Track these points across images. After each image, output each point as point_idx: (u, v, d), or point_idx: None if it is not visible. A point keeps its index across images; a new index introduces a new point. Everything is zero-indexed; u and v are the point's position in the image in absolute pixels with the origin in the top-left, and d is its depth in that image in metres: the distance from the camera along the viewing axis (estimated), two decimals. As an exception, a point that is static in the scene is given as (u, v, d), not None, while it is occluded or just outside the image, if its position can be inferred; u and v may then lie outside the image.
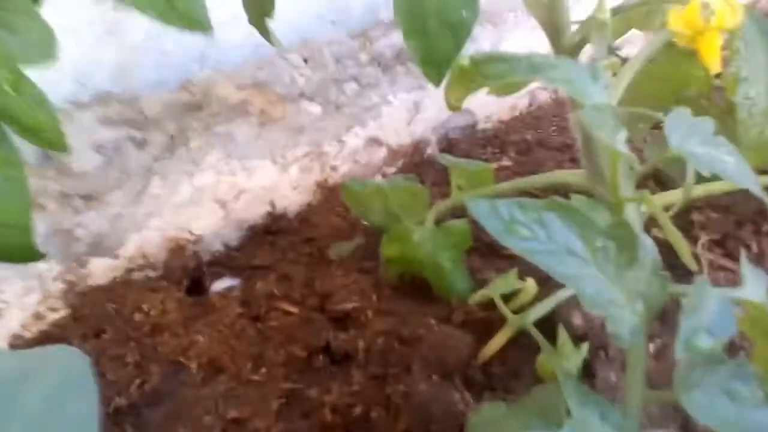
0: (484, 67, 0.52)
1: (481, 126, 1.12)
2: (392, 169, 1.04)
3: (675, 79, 0.83)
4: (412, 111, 1.03)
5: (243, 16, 1.05)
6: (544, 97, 1.14)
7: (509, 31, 1.11)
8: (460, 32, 0.63)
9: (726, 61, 0.69)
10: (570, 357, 0.63)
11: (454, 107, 0.56)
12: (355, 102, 0.98)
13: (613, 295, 0.43)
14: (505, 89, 0.54)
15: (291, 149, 0.94)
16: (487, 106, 1.13)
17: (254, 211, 0.94)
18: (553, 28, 0.61)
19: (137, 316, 0.82)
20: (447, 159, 0.80)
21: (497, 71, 0.51)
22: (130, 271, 0.87)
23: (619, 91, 0.70)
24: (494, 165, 1.03)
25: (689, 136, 0.51)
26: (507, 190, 0.76)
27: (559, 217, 0.44)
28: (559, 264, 0.43)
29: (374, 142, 1.01)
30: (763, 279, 0.49)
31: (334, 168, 0.99)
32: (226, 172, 0.90)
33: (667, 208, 0.70)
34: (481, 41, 1.06)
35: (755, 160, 0.69)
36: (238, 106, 0.90)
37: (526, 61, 0.51)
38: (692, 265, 0.46)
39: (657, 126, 0.90)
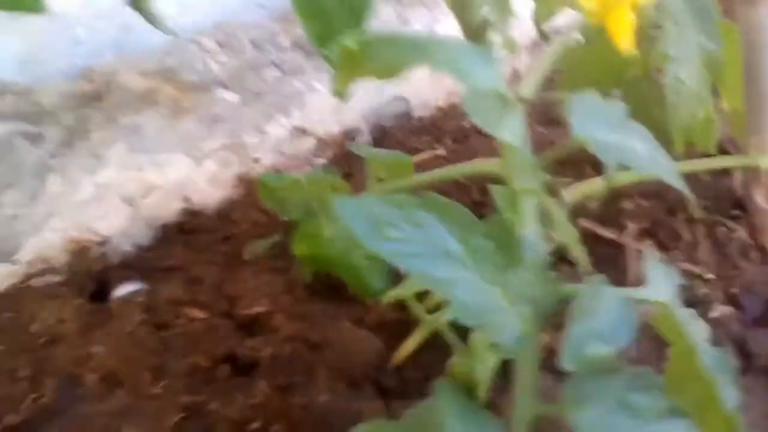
0: (371, 49, 0.46)
1: (417, 113, 1.06)
2: (322, 160, 0.98)
3: (613, 61, 0.78)
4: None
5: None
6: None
7: (444, 14, 1.05)
8: (360, 12, 0.57)
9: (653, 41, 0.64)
10: (484, 358, 0.58)
11: (340, 94, 0.50)
12: (276, 89, 0.91)
13: (493, 300, 0.38)
14: (389, 73, 0.48)
15: (206, 141, 0.88)
16: (423, 92, 1.07)
17: (167, 209, 0.88)
18: (458, 6, 0.56)
19: (34, 326, 0.76)
20: (363, 150, 0.74)
21: (384, 54, 0.46)
22: (29, 276, 0.81)
23: (539, 74, 0.64)
24: (428, 154, 0.97)
25: (595, 121, 0.45)
26: (426, 182, 0.71)
27: (435, 215, 0.39)
28: (432, 267, 0.37)
29: (300, 131, 0.95)
30: (671, 275, 0.43)
31: (256, 160, 0.92)
32: (133, 167, 0.83)
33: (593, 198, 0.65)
34: (413, 23, 1.00)
35: (682, 143, 0.65)
36: (145, 95, 0.83)
37: (414, 42, 0.45)
38: (583, 263, 0.41)
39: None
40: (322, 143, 0.97)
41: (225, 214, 0.89)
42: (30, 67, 0.90)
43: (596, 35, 0.68)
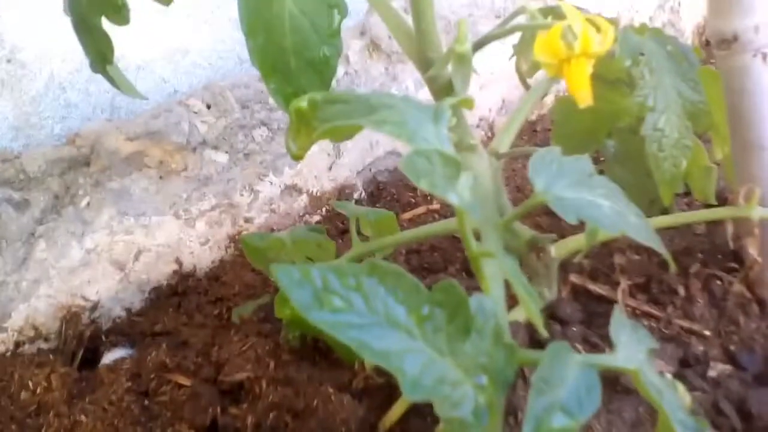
0: (323, 109, 0.45)
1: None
2: (316, 217, 0.97)
3: (604, 111, 0.76)
4: (332, 155, 0.96)
5: (157, 62, 1.00)
6: (478, 134, 1.07)
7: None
8: (324, 70, 0.56)
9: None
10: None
11: (297, 156, 0.49)
12: (266, 148, 0.91)
13: (445, 372, 0.36)
14: (340, 136, 0.47)
15: (196, 202, 0.87)
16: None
17: (158, 271, 0.87)
18: (422, 62, 0.55)
19: (24, 394, 0.75)
20: (346, 208, 0.73)
21: (335, 114, 0.45)
22: (19, 344, 0.80)
23: (515, 126, 0.63)
24: (423, 209, 0.96)
25: (558, 178, 0.44)
26: (409, 239, 0.69)
27: (381, 282, 0.37)
28: (377, 339, 0.36)
29: (292, 189, 0.94)
30: (642, 337, 0.41)
31: (248, 220, 0.92)
32: (122, 231, 0.83)
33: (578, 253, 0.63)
34: (402, 79, 1.00)
35: (669, 196, 0.62)
36: (132, 158, 0.83)
37: (365, 103, 0.44)
38: (541, 331, 0.39)
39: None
40: (315, 200, 0.96)
41: (216, 275, 0.88)
42: (23, 131, 0.91)
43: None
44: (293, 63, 0.56)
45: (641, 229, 0.44)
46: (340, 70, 0.95)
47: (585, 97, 0.47)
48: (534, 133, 1.04)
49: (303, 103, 0.46)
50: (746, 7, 0.57)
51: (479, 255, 0.40)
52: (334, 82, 0.98)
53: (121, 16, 0.53)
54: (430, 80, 0.54)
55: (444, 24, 0.99)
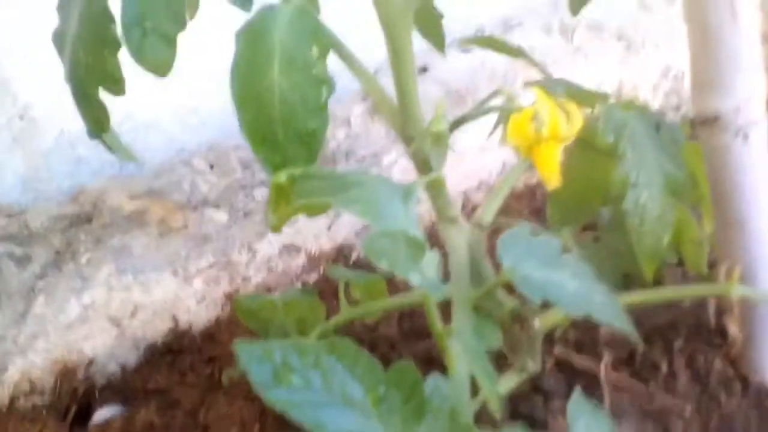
0: (300, 184, 0.47)
1: (413, 228, 1.06)
2: (313, 276, 0.98)
3: (598, 179, 0.77)
4: (331, 215, 0.98)
5: (165, 120, 1.03)
6: (477, 198, 1.08)
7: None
8: (312, 141, 0.58)
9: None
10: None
11: (275, 228, 0.50)
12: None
13: (399, 456, 0.36)
14: (314, 212, 0.48)
15: (194, 260, 0.89)
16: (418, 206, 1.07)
17: (154, 329, 0.88)
18: (404, 138, 0.56)
19: (15, 451, 0.76)
20: (335, 272, 0.74)
21: (311, 190, 0.46)
22: (15, 398, 0.81)
23: (500, 198, 0.64)
24: (419, 271, 0.96)
25: (526, 257, 0.44)
26: (397, 305, 0.70)
27: (340, 360, 0.38)
28: (333, 419, 0.36)
29: (291, 248, 0.95)
30: (603, 424, 0.41)
31: (245, 278, 0.93)
32: (120, 288, 0.84)
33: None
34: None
35: (652, 271, 0.63)
36: (133, 216, 0.85)
37: (339, 181, 0.45)
38: (495, 412, 0.39)
39: (586, 227, 0.84)
40: (312, 260, 0.97)
41: (211, 334, 0.89)
42: (32, 185, 0.93)
43: (577, 152, 0.68)
44: (281, 135, 0.58)
45: (607, 310, 0.44)
46: (342, 133, 0.98)
47: (554, 180, 0.48)
48: (533, 197, 1.05)
49: (282, 178, 0.48)
50: (727, 88, 0.58)
51: (442, 334, 0.41)
52: (335, 144, 1.00)
53: (118, 87, 0.56)
54: (412, 155, 0.56)
55: (445, 90, 1.01)
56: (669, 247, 0.66)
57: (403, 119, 0.57)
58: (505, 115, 0.49)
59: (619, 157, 0.62)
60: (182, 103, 1.01)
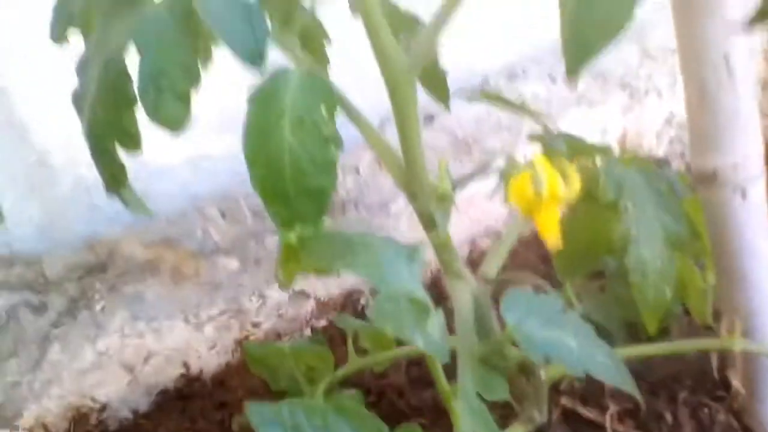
0: (309, 245, 0.48)
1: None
2: (322, 322, 0.99)
3: (602, 230, 0.78)
4: (341, 262, 0.99)
5: (179, 167, 1.05)
6: (485, 244, 1.10)
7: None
8: (320, 198, 0.60)
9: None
10: None
11: (284, 284, 0.52)
12: (276, 256, 0.94)
13: None
14: (323, 270, 0.50)
15: (206, 307, 0.90)
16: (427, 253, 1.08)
17: (166, 375, 0.89)
18: (409, 195, 0.58)
19: (26, 495, 0.77)
20: (345, 322, 0.75)
21: (319, 251, 0.48)
22: (29, 443, 0.83)
23: (503, 253, 0.65)
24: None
25: (528, 316, 0.46)
26: (404, 355, 0.71)
27: (345, 420, 0.39)
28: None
29: (300, 295, 0.97)
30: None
31: (256, 324, 0.94)
32: (133, 334, 0.86)
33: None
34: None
35: (655, 324, 0.64)
36: (147, 264, 0.87)
37: (347, 243, 0.47)
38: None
39: (593, 275, 0.85)
40: (322, 306, 0.98)
41: (221, 379, 0.90)
42: (48, 232, 0.95)
43: (581, 204, 0.70)
44: (292, 191, 0.60)
45: (608, 368, 0.45)
46: (351, 181, 0.99)
47: (554, 240, 0.49)
48: (541, 245, 1.06)
49: (292, 238, 0.49)
50: (725, 146, 0.59)
51: (447, 394, 0.42)
52: (344, 193, 1.02)
53: (134, 143, 0.58)
54: (417, 212, 0.57)
55: (451, 139, 1.03)
56: (674, 298, 0.67)
57: (408, 177, 0.58)
58: (506, 175, 0.51)
59: (620, 213, 0.63)
60: (195, 151, 1.03)
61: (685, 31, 0.58)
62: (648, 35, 1.15)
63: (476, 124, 1.06)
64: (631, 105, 1.15)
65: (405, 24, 0.63)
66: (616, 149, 1.18)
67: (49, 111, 0.92)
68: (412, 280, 0.42)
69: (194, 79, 0.54)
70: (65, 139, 0.94)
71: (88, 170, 0.97)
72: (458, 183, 0.53)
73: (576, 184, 0.49)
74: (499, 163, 0.53)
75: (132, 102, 0.55)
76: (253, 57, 0.54)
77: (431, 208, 0.55)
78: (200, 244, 0.89)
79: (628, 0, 0.44)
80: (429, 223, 0.57)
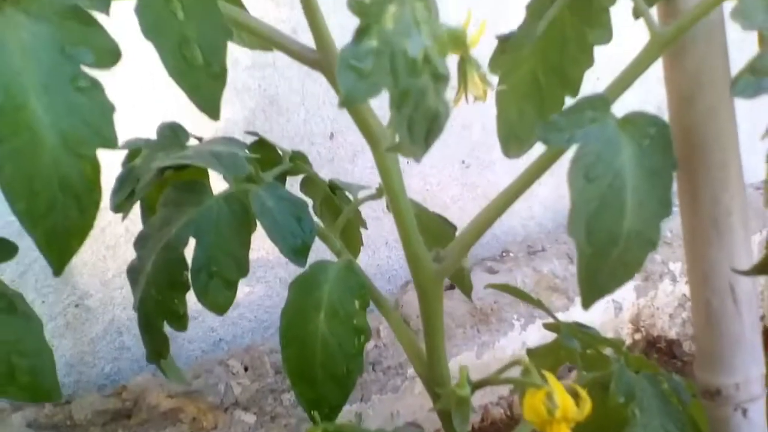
0: (333, 437, 0.52)
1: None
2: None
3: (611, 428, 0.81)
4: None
5: (207, 314, 1.09)
6: (497, 413, 1.12)
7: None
8: (345, 383, 0.64)
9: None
10: None
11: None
12: (292, 412, 0.97)
13: None
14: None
15: (220, 454, 0.93)
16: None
17: None
18: (430, 391, 0.62)
19: None
20: None
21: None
22: None
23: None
24: None
25: None
26: None
27: None
28: None
29: (313, 453, 0.99)
30: None
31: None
32: (148, 483, 0.88)
33: None
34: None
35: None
36: (169, 414, 0.90)
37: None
38: None
39: None
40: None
41: None
42: (77, 369, 0.99)
43: (596, 397, 0.73)
44: (319, 375, 0.64)
45: None
46: (371, 344, 1.03)
47: (567, 454, 0.52)
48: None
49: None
50: (728, 366, 0.63)
51: None
52: (364, 355, 1.06)
53: (180, 323, 0.62)
54: (437, 411, 0.61)
55: (470, 308, 1.07)
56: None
57: (430, 374, 0.63)
58: (520, 387, 0.54)
59: (628, 418, 0.67)
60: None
61: (693, 258, 0.63)
62: (663, 224, 1.21)
63: (495, 295, 1.11)
64: (645, 287, 1.20)
65: (438, 230, 0.69)
66: (628, 327, 1.22)
67: (90, 255, 0.98)
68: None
69: (243, 271, 0.60)
70: (104, 284, 0.99)
71: (122, 311, 1.02)
72: (476, 386, 0.57)
73: (587, 407, 0.52)
74: (514, 372, 0.57)
75: (184, 287, 0.60)
76: (297, 255, 0.60)
77: (450, 409, 0.59)
78: (221, 398, 0.93)
79: (639, 253, 0.50)
80: (448, 423, 0.61)
